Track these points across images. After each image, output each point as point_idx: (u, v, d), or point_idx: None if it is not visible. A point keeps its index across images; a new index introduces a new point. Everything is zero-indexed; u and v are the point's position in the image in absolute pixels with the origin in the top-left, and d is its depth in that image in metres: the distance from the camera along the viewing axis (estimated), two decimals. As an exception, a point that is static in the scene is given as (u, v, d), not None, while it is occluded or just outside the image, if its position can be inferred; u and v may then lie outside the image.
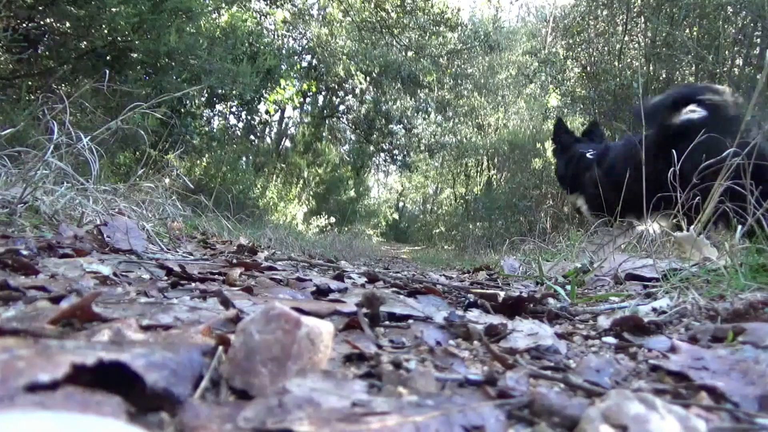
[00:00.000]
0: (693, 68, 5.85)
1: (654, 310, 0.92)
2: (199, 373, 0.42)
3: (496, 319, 0.81)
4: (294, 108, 13.56)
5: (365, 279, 1.28)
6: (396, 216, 21.73)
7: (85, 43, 4.55)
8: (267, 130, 12.87)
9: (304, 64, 12.45)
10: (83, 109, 3.30)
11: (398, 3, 10.82)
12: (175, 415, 0.36)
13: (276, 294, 0.89)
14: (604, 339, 0.74)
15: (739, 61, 5.58)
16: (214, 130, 8.94)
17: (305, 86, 12.63)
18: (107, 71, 2.34)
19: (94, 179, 1.66)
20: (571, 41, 8.04)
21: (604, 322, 0.82)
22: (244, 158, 9.79)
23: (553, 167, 4.98)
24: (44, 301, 0.64)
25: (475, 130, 14.63)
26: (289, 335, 0.44)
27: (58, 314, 0.53)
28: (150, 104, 1.80)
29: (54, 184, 1.49)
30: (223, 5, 6.09)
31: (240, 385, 0.41)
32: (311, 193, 12.96)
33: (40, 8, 4.23)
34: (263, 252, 1.92)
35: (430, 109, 14.66)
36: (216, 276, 1.04)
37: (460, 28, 12.18)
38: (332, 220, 12.02)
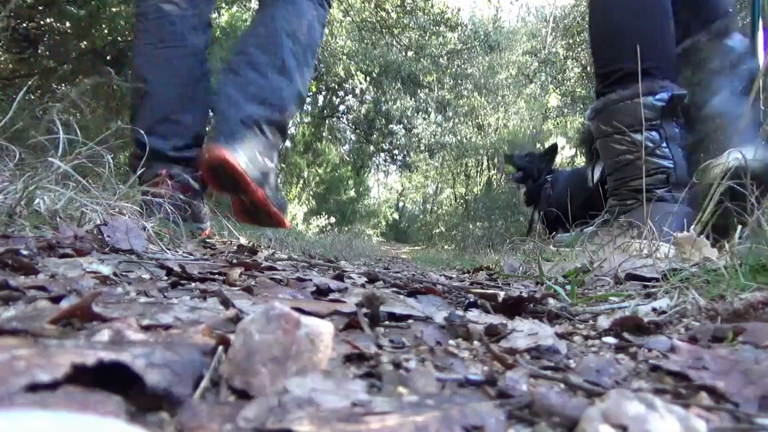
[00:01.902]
0: (693, 68, 5.85)
1: (654, 310, 0.92)
2: (199, 373, 0.42)
3: (496, 319, 0.81)
4: (294, 108, 13.55)
5: (365, 279, 1.28)
6: (396, 216, 21.73)
7: (85, 42, 4.55)
8: (267, 130, 12.86)
9: (304, 64, 12.44)
10: (84, 110, 3.30)
11: (398, 3, 10.83)
12: (175, 415, 0.36)
13: (276, 294, 0.89)
14: (604, 339, 0.74)
15: (739, 61, 5.58)
16: (215, 130, 8.93)
17: (305, 86, 12.63)
18: (111, 70, 2.34)
19: (104, 180, 1.67)
20: (571, 41, 8.05)
21: (604, 322, 0.82)
22: (244, 158, 9.77)
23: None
24: (44, 301, 0.64)
25: (475, 130, 14.64)
26: (289, 335, 0.44)
27: (58, 314, 0.53)
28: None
29: (55, 184, 1.49)
30: (224, 5, 6.09)
31: (240, 385, 0.41)
32: (311, 193, 12.97)
33: (40, 8, 4.23)
34: (263, 252, 1.92)
35: (430, 109, 14.67)
36: (216, 276, 1.04)
37: (460, 28, 12.19)
38: (332, 220, 12.02)
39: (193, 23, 1.69)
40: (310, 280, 1.10)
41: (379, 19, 10.94)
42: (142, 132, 1.48)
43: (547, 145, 5.93)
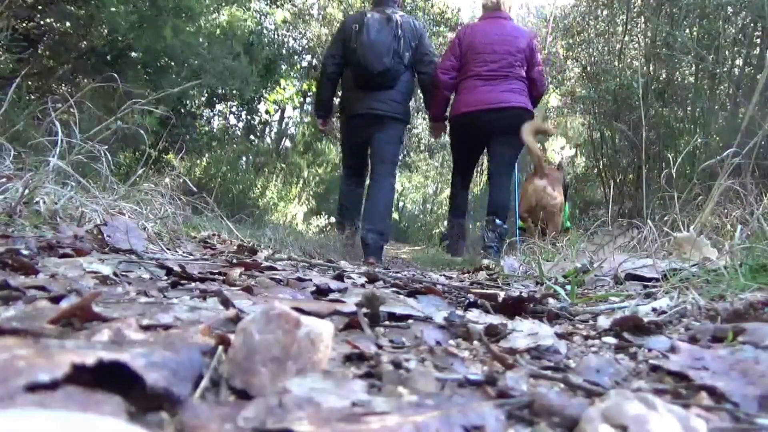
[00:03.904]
0: (693, 68, 5.84)
1: (654, 310, 0.92)
2: (199, 373, 0.42)
3: (496, 319, 0.81)
4: (294, 108, 13.52)
5: (365, 279, 1.28)
6: (396, 216, 21.70)
7: (85, 42, 4.55)
8: (267, 130, 12.85)
9: (304, 64, 12.41)
10: (82, 110, 3.30)
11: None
12: (175, 414, 0.36)
13: (276, 294, 0.89)
14: (604, 339, 0.74)
15: (739, 61, 5.56)
16: (214, 130, 8.94)
17: (305, 86, 12.61)
18: (112, 73, 2.35)
19: (103, 180, 1.67)
20: (571, 41, 8.05)
21: (604, 322, 0.82)
22: (244, 158, 9.77)
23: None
24: (44, 300, 0.64)
25: (475, 130, 14.60)
26: (289, 335, 0.44)
27: (58, 314, 0.53)
28: (149, 100, 1.80)
29: (55, 184, 1.49)
30: (224, 5, 6.09)
31: (240, 385, 0.41)
32: (311, 193, 12.94)
33: (40, 8, 4.23)
34: (263, 252, 1.92)
35: (430, 109, 14.63)
36: (216, 276, 1.04)
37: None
38: (332, 220, 11.99)
39: None
40: (310, 280, 1.10)
41: (379, 18, 10.94)
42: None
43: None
